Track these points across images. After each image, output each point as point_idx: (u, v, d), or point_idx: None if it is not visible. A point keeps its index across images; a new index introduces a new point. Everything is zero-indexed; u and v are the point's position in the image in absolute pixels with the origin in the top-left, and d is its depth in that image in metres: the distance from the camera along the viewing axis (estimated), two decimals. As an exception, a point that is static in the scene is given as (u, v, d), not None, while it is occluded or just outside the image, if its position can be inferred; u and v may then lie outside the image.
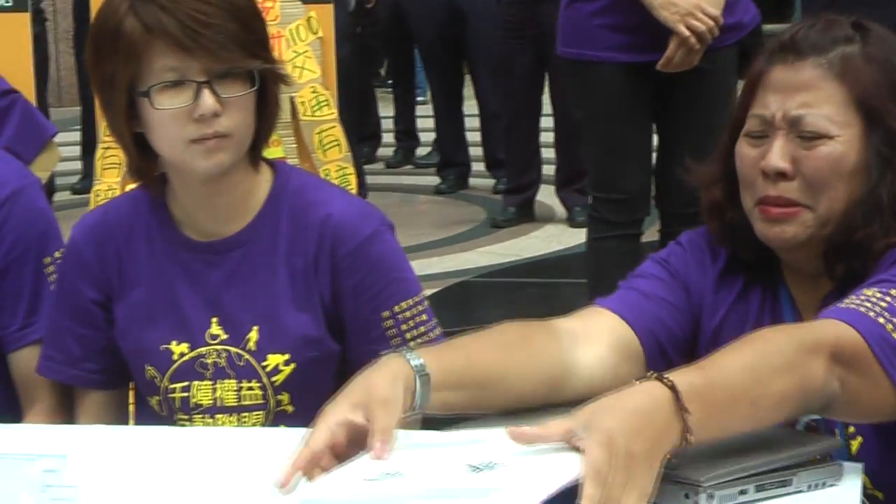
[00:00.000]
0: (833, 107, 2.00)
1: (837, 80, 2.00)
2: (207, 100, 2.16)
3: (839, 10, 2.25)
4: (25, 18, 6.15)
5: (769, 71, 2.05)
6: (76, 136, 8.16)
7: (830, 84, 2.00)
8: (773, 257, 2.12)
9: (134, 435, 2.24)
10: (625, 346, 2.09)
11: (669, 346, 2.12)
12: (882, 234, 2.00)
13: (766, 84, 2.05)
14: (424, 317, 2.31)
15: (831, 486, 1.83)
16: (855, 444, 2.01)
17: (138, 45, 2.16)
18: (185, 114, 2.16)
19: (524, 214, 7.91)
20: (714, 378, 1.81)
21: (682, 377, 1.78)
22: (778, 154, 2.00)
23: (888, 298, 1.88)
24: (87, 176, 6.80)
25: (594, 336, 2.07)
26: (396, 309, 2.28)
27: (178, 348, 2.27)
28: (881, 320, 1.86)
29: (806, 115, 2.00)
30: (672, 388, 1.74)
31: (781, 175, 2.01)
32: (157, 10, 2.15)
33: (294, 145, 4.92)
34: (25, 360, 2.41)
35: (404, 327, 2.28)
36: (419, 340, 2.26)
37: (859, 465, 1.88)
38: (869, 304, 1.88)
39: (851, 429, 2.01)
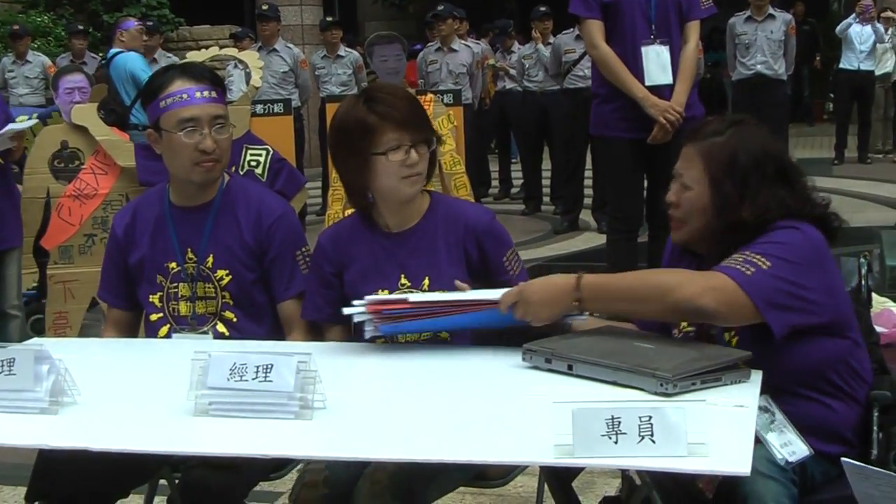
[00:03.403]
0: (695, 172, 2.03)
1: (700, 157, 2.02)
2: (414, 155, 2.20)
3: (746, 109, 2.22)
4: (289, 119, 6.35)
5: (684, 146, 2.08)
6: (319, 182, 8.25)
7: (697, 158, 2.03)
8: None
9: (349, 346, 2.26)
10: None
11: None
12: (735, 240, 1.98)
13: (680, 155, 2.09)
14: (516, 258, 2.30)
15: (743, 382, 1.82)
16: (734, 341, 1.99)
17: (376, 127, 2.19)
18: (402, 162, 2.20)
19: (572, 226, 7.84)
20: (610, 278, 1.97)
21: (592, 275, 1.95)
22: (671, 193, 2.08)
23: (742, 257, 1.90)
24: (324, 205, 6.88)
25: None
26: (508, 253, 2.28)
27: (383, 293, 2.23)
28: (740, 268, 1.88)
29: (683, 174, 2.05)
30: (578, 277, 1.93)
31: (671, 204, 2.08)
32: (384, 107, 2.19)
33: (440, 187, 4.93)
34: (287, 307, 2.41)
35: (513, 262, 2.28)
36: (517, 270, 2.27)
37: (760, 372, 1.84)
38: (734, 263, 1.90)
39: (732, 332, 1.99)
